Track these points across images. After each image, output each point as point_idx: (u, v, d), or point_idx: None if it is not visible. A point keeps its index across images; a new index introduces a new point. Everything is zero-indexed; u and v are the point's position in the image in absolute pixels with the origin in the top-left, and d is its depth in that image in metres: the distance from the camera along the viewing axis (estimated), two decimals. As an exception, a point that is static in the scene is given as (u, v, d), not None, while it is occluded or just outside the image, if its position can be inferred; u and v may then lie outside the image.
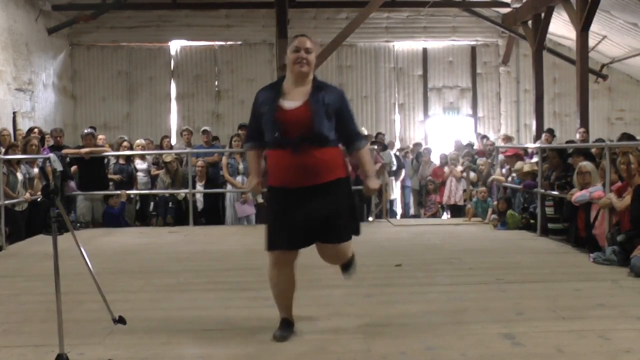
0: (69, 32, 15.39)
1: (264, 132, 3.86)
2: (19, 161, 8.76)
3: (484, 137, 13.34)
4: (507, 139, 12.84)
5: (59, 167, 9.15)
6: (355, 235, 3.98)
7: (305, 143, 3.72)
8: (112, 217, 10.05)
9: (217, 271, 6.27)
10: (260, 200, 10.76)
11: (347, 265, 4.11)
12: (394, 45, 16.32)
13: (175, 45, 15.96)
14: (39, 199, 8.63)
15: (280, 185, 3.83)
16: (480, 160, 11.40)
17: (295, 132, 3.73)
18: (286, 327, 3.98)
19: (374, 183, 3.96)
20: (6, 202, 8.09)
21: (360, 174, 5.10)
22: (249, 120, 4.08)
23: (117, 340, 3.96)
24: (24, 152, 9.00)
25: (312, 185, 3.77)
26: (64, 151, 9.94)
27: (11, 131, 11.76)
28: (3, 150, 8.97)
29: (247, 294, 5.22)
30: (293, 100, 3.79)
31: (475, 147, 13.24)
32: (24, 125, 12.19)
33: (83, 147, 10.02)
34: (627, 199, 6.27)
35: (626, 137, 8.88)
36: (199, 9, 15.39)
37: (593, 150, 8.29)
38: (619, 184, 6.75)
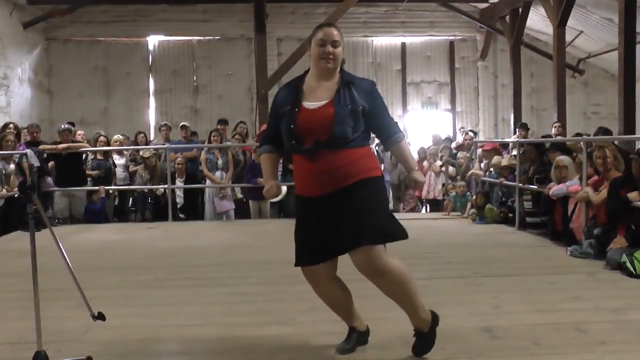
0: (44, 26, 15.14)
1: (283, 136, 3.48)
2: (-6, 157, 8.66)
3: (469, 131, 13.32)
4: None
5: (35, 162, 9.05)
6: (385, 239, 3.48)
7: (321, 148, 3.32)
8: (94, 213, 9.99)
9: (195, 267, 6.26)
10: (237, 197, 10.75)
11: (420, 341, 3.61)
12: (372, 40, 16.31)
13: (153, 40, 15.79)
14: (15, 195, 8.53)
15: (301, 193, 3.47)
16: (460, 155, 11.46)
17: (311, 136, 3.33)
18: (349, 338, 3.68)
19: (419, 176, 3.61)
20: (-19, 198, 8.00)
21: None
22: (267, 121, 3.71)
23: (95, 337, 3.93)
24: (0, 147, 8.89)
25: (333, 191, 3.34)
26: (41, 147, 9.82)
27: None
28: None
29: (224, 290, 5.22)
30: (316, 100, 3.40)
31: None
32: (-1, 121, 12.02)
33: (60, 143, 9.92)
34: (603, 192, 6.35)
35: (602, 131, 8.97)
36: (176, 4, 15.23)
37: (569, 144, 8.38)
38: (595, 178, 6.83)
